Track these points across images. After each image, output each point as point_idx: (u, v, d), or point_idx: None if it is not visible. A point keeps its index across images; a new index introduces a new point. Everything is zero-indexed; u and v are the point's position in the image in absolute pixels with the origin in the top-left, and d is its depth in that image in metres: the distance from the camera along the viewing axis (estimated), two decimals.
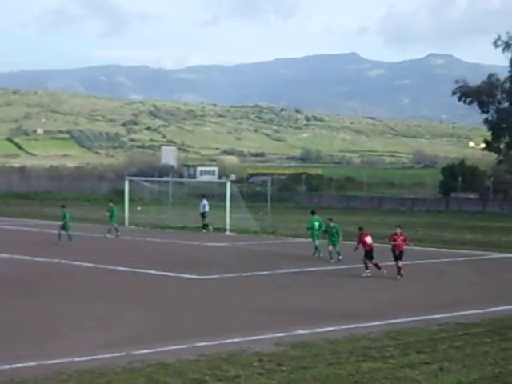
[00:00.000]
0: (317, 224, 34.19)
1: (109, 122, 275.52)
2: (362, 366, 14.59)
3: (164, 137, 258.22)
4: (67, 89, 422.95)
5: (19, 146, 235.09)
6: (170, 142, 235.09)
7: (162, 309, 21.02)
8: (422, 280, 28.01)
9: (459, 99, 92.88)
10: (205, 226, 47.38)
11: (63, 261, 31.28)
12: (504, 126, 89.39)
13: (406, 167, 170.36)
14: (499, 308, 21.61)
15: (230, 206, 47.82)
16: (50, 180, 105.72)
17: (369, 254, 28.10)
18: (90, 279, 26.94)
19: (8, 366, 14.03)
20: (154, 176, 77.02)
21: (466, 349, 16.25)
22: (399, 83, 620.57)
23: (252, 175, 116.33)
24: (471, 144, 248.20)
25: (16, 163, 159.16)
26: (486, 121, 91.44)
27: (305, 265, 31.09)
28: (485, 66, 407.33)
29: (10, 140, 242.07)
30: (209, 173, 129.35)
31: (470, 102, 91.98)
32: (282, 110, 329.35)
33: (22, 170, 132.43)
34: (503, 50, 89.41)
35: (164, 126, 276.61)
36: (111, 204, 44.39)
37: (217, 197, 60.64)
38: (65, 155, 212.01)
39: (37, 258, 32.11)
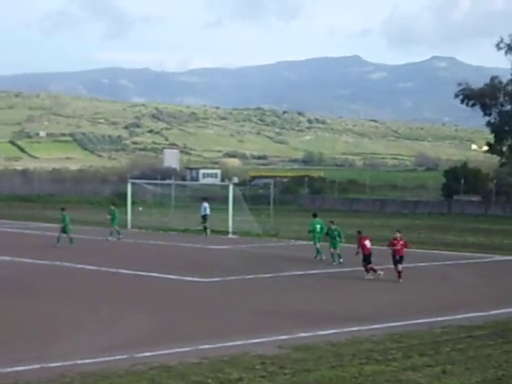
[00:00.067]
0: (318, 227, 34.11)
1: (111, 124, 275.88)
2: (365, 368, 14.57)
3: (166, 139, 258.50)
4: (70, 91, 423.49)
5: (22, 149, 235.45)
6: (173, 145, 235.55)
7: (165, 311, 21.01)
8: (424, 283, 27.97)
9: (462, 102, 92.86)
10: (205, 229, 47.26)
11: (65, 263, 31.26)
12: (506, 128, 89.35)
13: (408, 170, 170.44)
14: (502, 311, 21.58)
15: (233, 209, 47.82)
16: (52, 183, 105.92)
17: (367, 258, 28.05)
18: (93, 282, 26.93)
19: (11, 369, 14.02)
20: (156, 179, 77.12)
21: (469, 351, 16.23)
22: (402, 86, 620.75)
23: (254, 178, 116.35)
24: (474, 146, 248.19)
25: (18, 166, 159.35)
26: (488, 123, 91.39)
27: (307, 267, 31.06)
28: (487, 69, 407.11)
29: (12, 143, 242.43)
30: (211, 175, 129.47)
31: (473, 105, 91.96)
32: (285, 112, 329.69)
33: (24, 172, 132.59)
34: (506, 52, 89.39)
35: (166, 128, 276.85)
36: (112, 207, 44.43)
37: (219, 199, 60.58)
38: (67, 158, 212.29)
39: (39, 261, 32.10)
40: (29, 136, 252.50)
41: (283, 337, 17.26)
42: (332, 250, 32.22)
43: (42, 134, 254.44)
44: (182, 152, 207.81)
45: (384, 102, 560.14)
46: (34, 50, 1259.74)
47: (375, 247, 29.61)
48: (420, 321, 19.57)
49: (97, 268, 29.97)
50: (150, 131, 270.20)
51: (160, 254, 36.86)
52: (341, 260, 31.93)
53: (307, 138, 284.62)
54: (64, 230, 38.61)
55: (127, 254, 37.24)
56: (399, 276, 27.14)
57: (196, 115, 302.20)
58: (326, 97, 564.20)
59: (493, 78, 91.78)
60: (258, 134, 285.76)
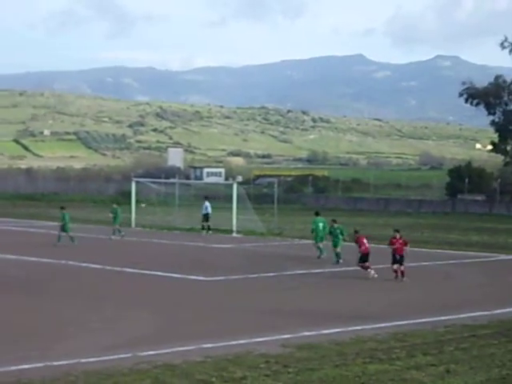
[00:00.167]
0: (321, 225, 34.02)
1: (115, 123, 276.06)
2: (369, 367, 14.57)
3: (170, 138, 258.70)
4: (74, 90, 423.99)
5: (26, 148, 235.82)
6: (177, 144, 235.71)
7: (169, 310, 21.03)
8: (428, 282, 27.95)
9: (466, 101, 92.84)
10: (203, 228, 47.24)
11: (70, 262, 31.29)
12: (511, 127, 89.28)
13: (412, 169, 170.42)
14: (506, 310, 21.56)
15: (237, 208, 47.82)
16: (56, 181, 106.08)
17: (365, 257, 28.02)
18: (97, 280, 26.97)
19: (14, 367, 14.04)
20: (160, 177, 77.15)
21: (473, 351, 16.21)
22: (406, 85, 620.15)
23: (258, 177, 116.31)
24: (478, 146, 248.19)
25: (23, 165, 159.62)
26: (492, 122, 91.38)
27: (311, 266, 31.07)
28: (492, 68, 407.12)
29: (16, 141, 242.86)
30: (215, 174, 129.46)
31: (477, 104, 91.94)
32: (289, 111, 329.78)
33: (28, 171, 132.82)
34: (510, 51, 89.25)
35: (170, 127, 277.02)
36: (115, 206, 44.45)
37: (223, 198, 60.69)
38: (71, 157, 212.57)
39: (43, 259, 32.15)
40: (33, 135, 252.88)
41: (287, 336, 17.27)
42: (334, 248, 32.14)
43: (46, 132, 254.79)
44: (186, 151, 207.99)
45: (388, 100, 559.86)
46: (38, 49, 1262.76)
47: (373, 245, 29.71)
48: (424, 320, 19.55)
49: (101, 266, 30.01)
50: (154, 130, 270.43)
51: (164, 253, 36.90)
52: (340, 260, 31.82)
53: (311, 136, 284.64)
54: (64, 229, 38.61)
55: (131, 252, 37.26)
56: (402, 275, 27.08)
57: (200, 114, 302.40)
58: (330, 96, 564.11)
59: (497, 77, 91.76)
60: (262, 132, 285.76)
